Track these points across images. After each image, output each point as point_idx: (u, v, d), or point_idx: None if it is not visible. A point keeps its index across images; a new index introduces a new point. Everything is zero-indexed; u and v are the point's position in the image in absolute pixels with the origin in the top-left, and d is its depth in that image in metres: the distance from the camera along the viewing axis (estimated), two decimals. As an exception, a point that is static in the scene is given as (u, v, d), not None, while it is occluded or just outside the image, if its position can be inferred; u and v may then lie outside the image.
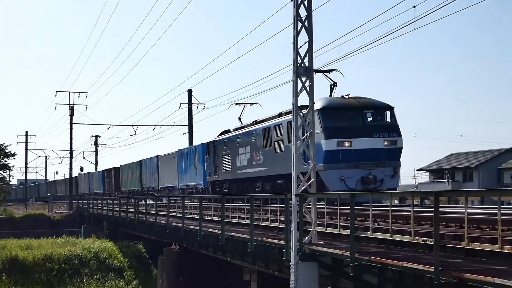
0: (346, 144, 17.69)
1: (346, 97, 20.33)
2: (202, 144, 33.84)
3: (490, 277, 7.57)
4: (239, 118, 29.52)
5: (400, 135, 18.85)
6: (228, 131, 29.85)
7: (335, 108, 19.09)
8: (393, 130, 18.74)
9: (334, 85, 20.84)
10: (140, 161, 48.68)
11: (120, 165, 57.04)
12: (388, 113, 19.31)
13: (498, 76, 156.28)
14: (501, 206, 7.68)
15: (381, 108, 19.36)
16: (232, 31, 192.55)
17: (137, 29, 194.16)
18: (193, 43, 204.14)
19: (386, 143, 18.24)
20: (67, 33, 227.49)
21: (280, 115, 23.16)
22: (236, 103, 29.05)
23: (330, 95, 21.05)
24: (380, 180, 17.80)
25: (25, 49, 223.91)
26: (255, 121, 26.01)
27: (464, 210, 9.03)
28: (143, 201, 35.19)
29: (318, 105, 18.05)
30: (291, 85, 14.06)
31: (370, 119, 19.47)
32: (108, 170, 60.81)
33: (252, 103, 28.55)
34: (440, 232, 9.58)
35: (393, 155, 18.70)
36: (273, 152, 22.25)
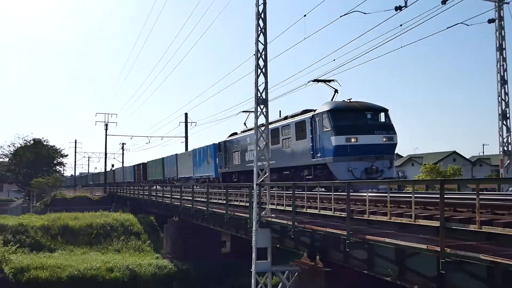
0: (353, 140, 18.90)
1: (348, 101, 21.58)
2: (213, 144, 37.03)
3: (382, 238, 9.39)
4: (244, 123, 31.99)
5: (395, 133, 20.15)
6: (235, 133, 32.38)
7: (341, 109, 20.34)
8: (389, 128, 20.07)
9: (335, 91, 22.81)
10: (162, 158, 54.36)
11: (147, 161, 62.93)
12: (383, 114, 20.69)
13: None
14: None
15: (379, 110, 20.71)
16: (214, 72, 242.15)
17: (149, 73, 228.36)
18: (188, 83, 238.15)
19: (384, 139, 19.67)
20: (106, 62, 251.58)
21: (286, 118, 24.91)
22: (243, 111, 31.26)
23: (332, 99, 22.60)
24: (381, 171, 18.99)
25: (73, 70, 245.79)
26: (262, 124, 26.46)
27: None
28: (154, 187, 42.69)
29: (326, 107, 20.11)
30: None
31: (370, 119, 20.59)
32: (138, 165, 67.80)
33: (251, 111, 29.05)
34: (351, 208, 11.56)
35: (390, 149, 20.06)
36: (281, 148, 23.79)
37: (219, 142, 34.83)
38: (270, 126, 23.00)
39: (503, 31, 20.36)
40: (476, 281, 7.41)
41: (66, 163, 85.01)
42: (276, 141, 24.00)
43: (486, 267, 6.94)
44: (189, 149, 49.83)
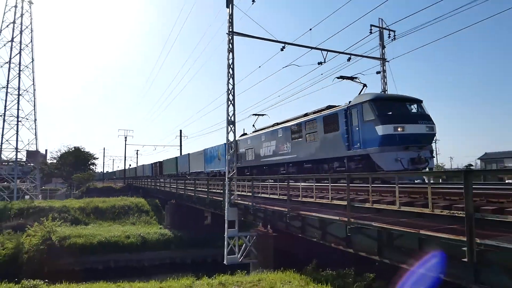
0: (400, 129, 13.57)
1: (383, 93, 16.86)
2: (225, 143, 30.51)
3: (310, 213, 9.47)
4: (253, 125, 26.59)
5: (434, 123, 14.60)
6: (245, 134, 26.43)
7: (384, 99, 14.81)
8: (429, 118, 14.56)
9: (364, 86, 17.21)
10: (176, 157, 49.60)
11: (163, 160, 57.50)
12: (421, 105, 14.99)
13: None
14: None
15: (416, 101, 15.04)
16: (200, 101, 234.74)
17: (156, 101, 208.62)
18: (182, 108, 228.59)
19: (427, 129, 14.21)
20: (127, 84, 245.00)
21: (306, 114, 18.60)
22: (253, 114, 25.86)
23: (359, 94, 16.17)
24: (426, 160, 13.69)
25: (103, 96, 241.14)
26: (276, 123, 22.16)
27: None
28: (160, 180, 41.59)
29: (367, 98, 14.33)
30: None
31: (411, 109, 14.83)
32: (155, 163, 61.84)
33: (263, 115, 25.77)
34: (290, 193, 11.62)
35: (431, 139, 14.78)
36: (304, 142, 17.75)
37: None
38: (290, 123, 19.36)
39: (386, 79, 21.08)
40: (370, 240, 7.58)
41: (97, 164, 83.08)
42: (297, 136, 18.47)
43: (376, 231, 7.12)
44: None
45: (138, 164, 77.95)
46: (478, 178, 13.51)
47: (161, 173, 56.47)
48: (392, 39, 20.21)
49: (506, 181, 15.51)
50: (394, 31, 20.22)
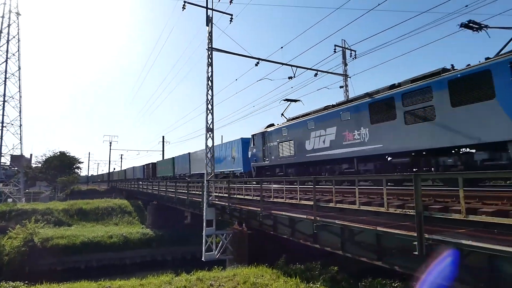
0: None
1: None
2: (241, 138, 23.36)
3: (281, 212, 9.44)
4: (282, 114, 19.75)
5: None
6: (272, 125, 18.61)
7: None
8: None
9: (296, 101, 16.59)
10: (172, 158, 41.15)
11: (157, 161, 48.89)
12: None
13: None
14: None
15: None
16: (182, 108, 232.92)
17: (140, 109, 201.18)
18: (164, 115, 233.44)
19: None
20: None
21: (393, 86, 11.09)
22: (284, 100, 19.23)
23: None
24: None
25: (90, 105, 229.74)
26: (328, 106, 14.59)
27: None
28: (142, 182, 39.10)
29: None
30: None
31: None
32: (147, 165, 52.68)
33: (297, 100, 18.95)
34: (263, 194, 11.60)
35: None
36: (401, 124, 10.26)
37: (252, 135, 20.02)
38: (364, 100, 12.01)
39: (348, 93, 21.39)
40: (335, 236, 7.65)
41: (82, 168, 79.86)
42: (385, 117, 10.99)
43: (339, 228, 7.19)
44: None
45: (129, 167, 71.85)
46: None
47: (154, 175, 48.27)
48: (353, 58, 20.79)
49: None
50: (355, 51, 20.81)
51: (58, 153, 64.86)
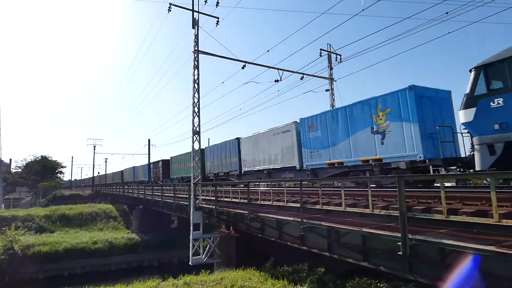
0: None
1: None
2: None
3: (268, 214, 9.43)
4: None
5: None
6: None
7: None
8: None
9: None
10: (203, 149, 27.64)
11: (171, 157, 36.29)
12: None
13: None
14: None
15: None
16: (168, 112, 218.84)
17: (126, 112, 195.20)
18: (150, 118, 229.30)
19: None
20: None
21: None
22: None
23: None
24: None
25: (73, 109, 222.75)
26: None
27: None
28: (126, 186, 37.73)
29: None
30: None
31: None
32: (155, 163, 41.79)
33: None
34: (250, 196, 11.58)
35: None
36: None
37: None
38: None
39: (333, 96, 21.56)
40: (321, 238, 7.70)
41: (65, 172, 77.31)
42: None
43: (326, 230, 7.25)
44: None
45: (127, 167, 61.66)
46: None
47: (167, 176, 36.98)
48: (338, 62, 21.09)
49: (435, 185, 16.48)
50: (340, 55, 21.12)
51: (40, 158, 62.62)
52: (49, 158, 63.48)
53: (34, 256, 22.23)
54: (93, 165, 63.56)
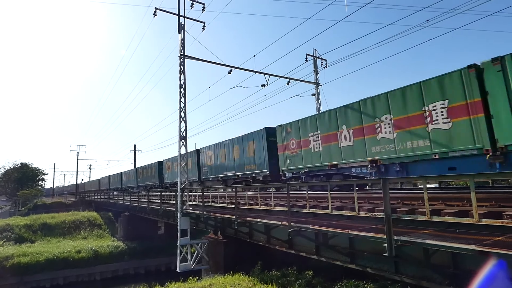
0: None
1: None
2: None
3: (256, 219, 9.40)
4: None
5: None
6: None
7: None
8: None
9: None
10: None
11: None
12: None
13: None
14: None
15: None
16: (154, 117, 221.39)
17: (110, 117, 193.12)
18: (136, 123, 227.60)
19: None
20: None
21: None
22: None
23: None
24: None
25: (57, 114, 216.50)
26: None
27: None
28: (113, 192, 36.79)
29: None
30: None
31: None
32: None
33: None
34: (238, 201, 11.53)
35: None
36: None
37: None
38: None
39: (319, 100, 21.92)
40: (308, 241, 7.74)
41: (47, 180, 74.65)
42: None
43: (313, 233, 7.29)
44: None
45: (124, 170, 55.05)
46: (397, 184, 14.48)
47: (161, 181, 30.40)
48: (324, 67, 21.38)
49: (419, 186, 16.65)
50: (325, 60, 21.42)
51: (19, 165, 60.55)
52: (30, 165, 61.52)
53: (13, 268, 21.41)
54: (77, 171, 61.55)
